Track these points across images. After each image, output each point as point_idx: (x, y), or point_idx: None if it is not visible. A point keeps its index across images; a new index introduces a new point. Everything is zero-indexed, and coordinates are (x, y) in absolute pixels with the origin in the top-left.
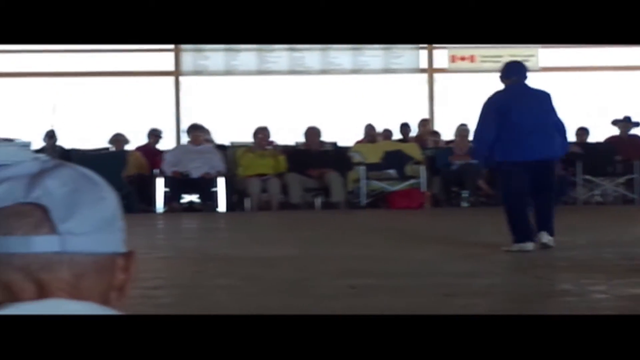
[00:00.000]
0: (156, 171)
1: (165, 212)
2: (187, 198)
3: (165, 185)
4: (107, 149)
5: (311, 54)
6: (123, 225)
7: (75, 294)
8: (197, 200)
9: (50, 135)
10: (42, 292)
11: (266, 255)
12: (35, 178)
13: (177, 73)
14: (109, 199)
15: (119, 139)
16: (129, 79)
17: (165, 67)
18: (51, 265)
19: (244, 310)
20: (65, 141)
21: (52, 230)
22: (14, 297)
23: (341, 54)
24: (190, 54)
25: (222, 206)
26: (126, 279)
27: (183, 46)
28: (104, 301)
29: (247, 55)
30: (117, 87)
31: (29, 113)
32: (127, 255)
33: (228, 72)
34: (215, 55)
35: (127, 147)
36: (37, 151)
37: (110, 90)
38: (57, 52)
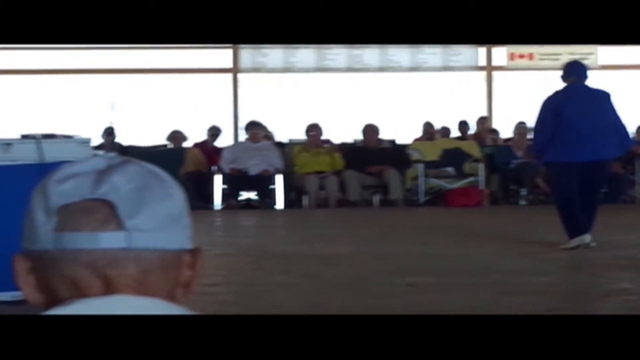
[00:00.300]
0: (214, 168)
1: (223, 209)
2: (244, 195)
3: (223, 183)
4: (165, 146)
5: (370, 52)
6: (190, 222)
7: (142, 290)
8: (255, 198)
9: (109, 132)
10: (109, 288)
11: (324, 253)
12: (103, 174)
13: (235, 70)
14: (176, 196)
15: (177, 136)
16: (187, 76)
17: (224, 65)
18: (118, 262)
19: (302, 308)
20: (123, 138)
21: (119, 226)
22: (81, 293)
23: (400, 52)
24: (249, 52)
25: (279, 203)
26: (192, 275)
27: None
28: (170, 297)
29: (305, 52)
30: (176, 84)
31: (88, 110)
32: (194, 252)
33: (286, 70)
34: (273, 52)
35: (185, 144)
36: (96, 148)
37: (169, 87)
38: (117, 49)
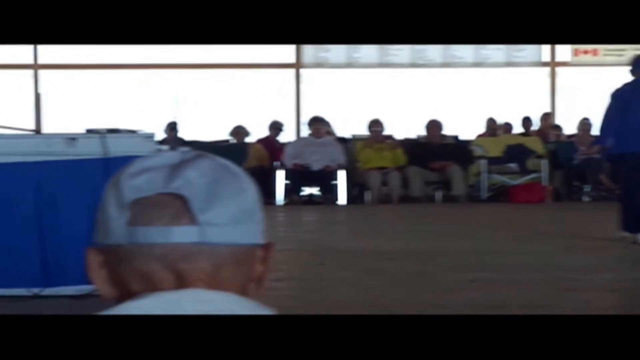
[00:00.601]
0: (277, 163)
1: (285, 204)
2: (307, 191)
3: (286, 178)
4: (227, 141)
5: (433, 47)
6: (262, 217)
7: (214, 285)
8: (317, 193)
9: (172, 127)
10: (181, 282)
11: (386, 249)
12: (176, 168)
13: (298, 65)
14: (249, 191)
15: (239, 131)
16: (250, 71)
17: (287, 60)
18: (190, 256)
19: (365, 303)
20: (186, 133)
21: (192, 220)
22: (153, 287)
23: (463, 47)
24: (312, 47)
25: (342, 199)
26: (265, 270)
27: None
28: (242, 292)
29: (368, 48)
30: (239, 79)
31: (152, 105)
32: (266, 247)
33: (349, 65)
34: (336, 48)
35: (248, 140)
36: (159, 143)
37: (232, 82)
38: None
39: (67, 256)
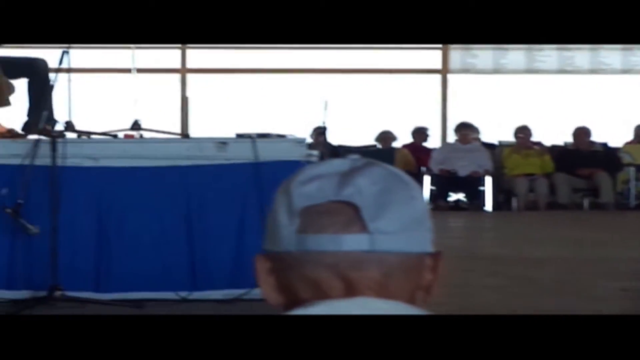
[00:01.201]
0: (423, 169)
1: (431, 210)
2: (453, 196)
3: (432, 183)
4: (374, 146)
5: (581, 53)
6: (431, 225)
7: (383, 293)
8: (464, 199)
9: (320, 132)
10: (351, 291)
11: (534, 256)
12: (346, 176)
13: (444, 71)
14: (418, 199)
15: (386, 137)
16: (396, 77)
17: (433, 65)
18: (360, 264)
19: (513, 311)
20: (332, 137)
21: (363, 228)
22: (322, 295)
23: (611, 54)
24: (458, 52)
25: (488, 205)
26: (433, 279)
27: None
28: (410, 301)
29: (515, 54)
30: (385, 85)
31: (300, 109)
32: (435, 255)
33: (496, 71)
34: (483, 53)
35: (394, 145)
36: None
37: (378, 87)
38: (328, 49)
39: (216, 260)
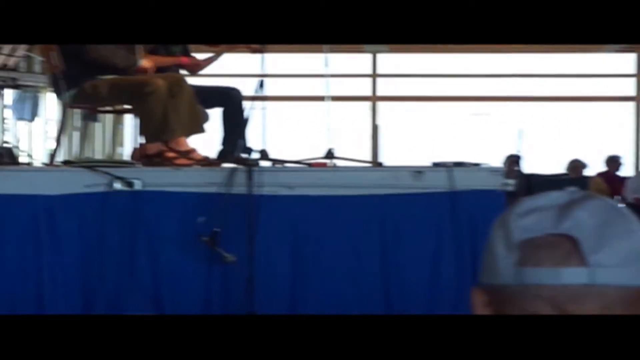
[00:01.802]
0: (617, 198)
1: None
2: None
3: None
4: (566, 174)
5: None
6: None
7: None
8: None
9: (514, 160)
10: None
11: None
12: (565, 209)
13: (638, 98)
14: (638, 232)
15: (576, 165)
16: (585, 104)
17: (626, 92)
18: (579, 298)
19: None
20: (526, 166)
21: (582, 262)
22: None
23: None
24: None
25: None
26: None
27: None
28: None
29: None
30: (575, 112)
31: (494, 138)
32: None
33: None
34: None
35: (586, 173)
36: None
37: (569, 115)
38: (521, 76)
39: (410, 291)
